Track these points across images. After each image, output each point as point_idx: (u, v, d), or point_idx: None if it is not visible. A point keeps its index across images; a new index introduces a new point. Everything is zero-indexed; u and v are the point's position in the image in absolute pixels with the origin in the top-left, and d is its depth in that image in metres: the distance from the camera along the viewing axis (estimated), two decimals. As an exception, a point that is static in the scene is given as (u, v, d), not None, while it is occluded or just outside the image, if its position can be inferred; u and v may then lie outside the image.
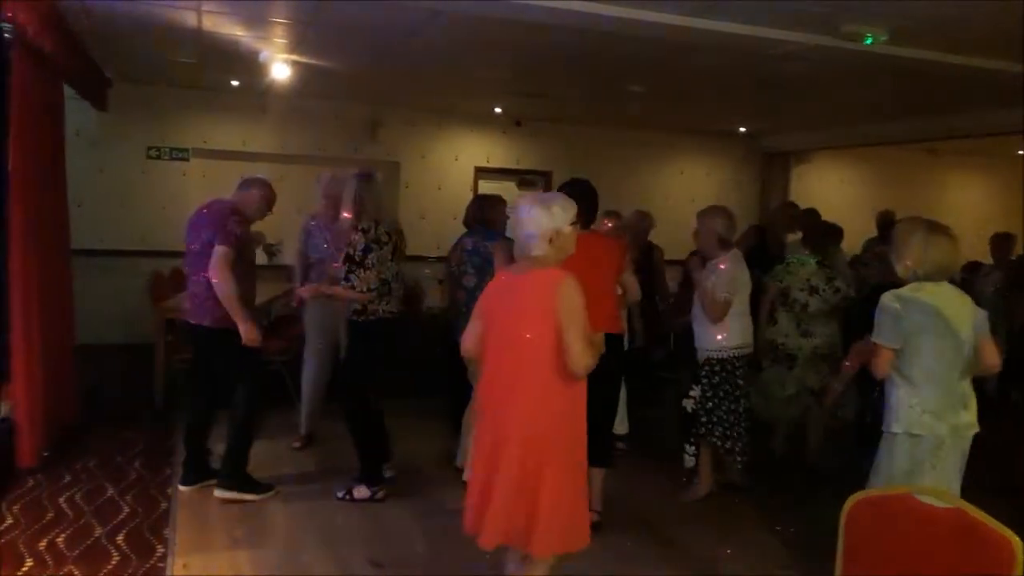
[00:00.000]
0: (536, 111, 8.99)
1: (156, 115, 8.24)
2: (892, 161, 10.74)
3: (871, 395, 3.98)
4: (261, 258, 6.85)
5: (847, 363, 3.77)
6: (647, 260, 6.16)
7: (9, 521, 3.95)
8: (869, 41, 4.80)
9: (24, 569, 3.50)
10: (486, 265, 4.65)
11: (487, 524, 2.82)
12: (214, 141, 8.49)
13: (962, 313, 3.12)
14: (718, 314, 4.32)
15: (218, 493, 4.31)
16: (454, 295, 5.07)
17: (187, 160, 8.43)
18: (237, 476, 4.35)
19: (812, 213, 6.17)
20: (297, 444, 5.31)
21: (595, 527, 4.01)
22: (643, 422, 5.74)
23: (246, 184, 4.44)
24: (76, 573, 3.49)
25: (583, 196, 4.15)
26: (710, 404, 4.44)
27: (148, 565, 3.61)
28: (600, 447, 4.09)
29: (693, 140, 10.43)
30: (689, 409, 4.58)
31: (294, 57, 6.19)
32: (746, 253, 4.67)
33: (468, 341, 3.04)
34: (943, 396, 3.10)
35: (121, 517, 4.08)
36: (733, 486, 4.72)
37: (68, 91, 5.72)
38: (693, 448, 4.62)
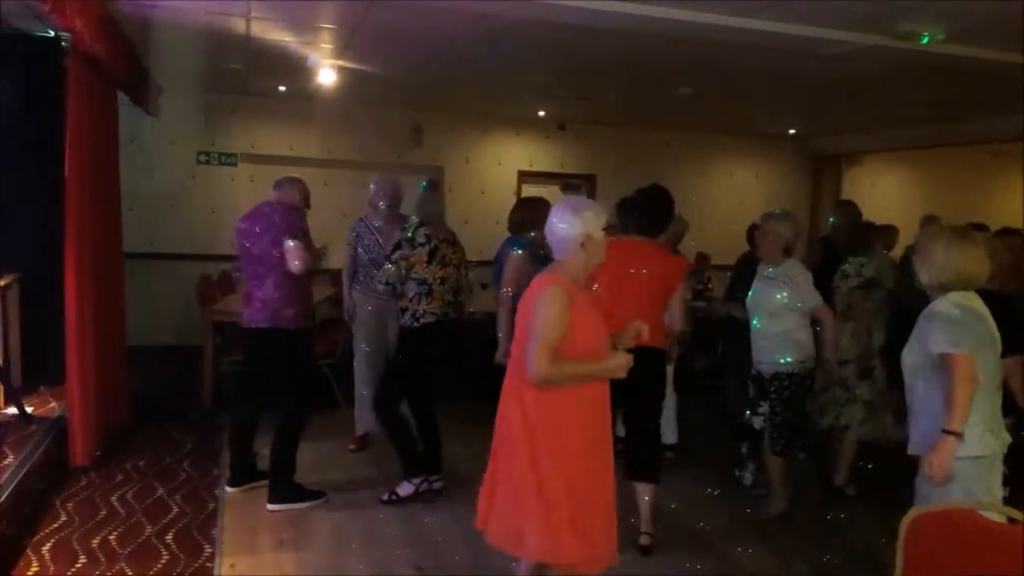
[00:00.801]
0: (580, 114, 8.94)
1: (206, 121, 8.38)
2: (951, 164, 10.42)
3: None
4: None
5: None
6: None
7: (63, 518, 4.04)
8: (925, 40, 4.66)
9: (77, 566, 3.57)
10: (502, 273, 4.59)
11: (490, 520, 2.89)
12: (261, 146, 8.62)
13: (994, 324, 2.99)
14: (831, 317, 4.24)
15: (270, 507, 4.31)
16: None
17: (235, 165, 8.58)
18: (286, 487, 4.36)
19: (846, 205, 5.81)
20: (352, 446, 5.34)
21: (647, 550, 3.95)
22: (689, 431, 5.64)
23: (284, 184, 4.46)
24: (127, 571, 3.55)
25: (652, 203, 4.08)
26: (779, 419, 4.29)
27: (196, 564, 3.65)
28: (646, 461, 4.03)
29: (742, 142, 10.28)
30: (757, 427, 4.42)
31: (340, 62, 6.25)
32: (815, 270, 4.48)
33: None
34: (996, 411, 2.96)
35: (170, 516, 4.15)
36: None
37: (121, 97, 5.86)
38: (753, 466, 4.49)
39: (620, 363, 2.79)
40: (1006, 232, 5.48)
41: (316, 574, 3.67)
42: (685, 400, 5.71)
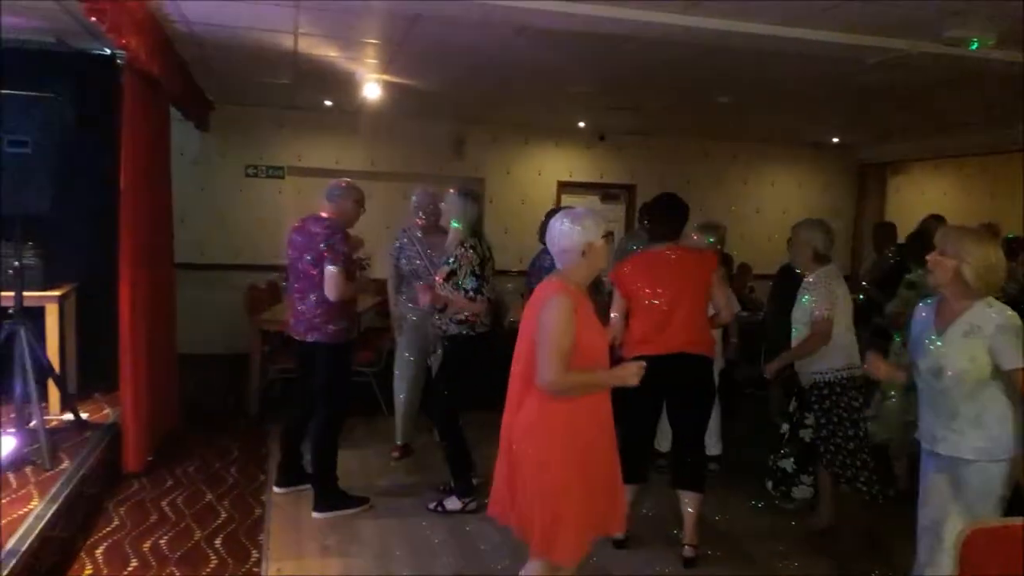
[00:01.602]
0: (620, 124, 8.93)
1: (254, 135, 8.59)
2: (999, 171, 10.17)
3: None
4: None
5: None
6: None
7: (116, 522, 4.15)
8: (975, 46, 4.57)
9: (129, 569, 3.66)
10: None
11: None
12: (308, 159, 8.77)
13: None
14: (822, 333, 4.05)
15: (316, 515, 4.37)
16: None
17: (282, 178, 8.75)
18: (329, 495, 4.42)
19: (937, 218, 5.94)
20: (396, 454, 5.38)
21: (690, 562, 3.95)
22: (732, 441, 5.58)
23: (336, 194, 4.44)
24: (177, 574, 3.63)
25: (667, 210, 4.12)
26: (825, 432, 4.19)
27: (244, 569, 3.72)
28: (691, 471, 4.03)
29: (784, 151, 10.17)
30: (807, 439, 4.33)
31: (385, 77, 6.34)
32: (883, 279, 4.46)
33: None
34: None
35: (219, 521, 4.23)
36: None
37: (173, 113, 6.03)
38: (811, 479, 4.40)
39: (631, 372, 2.81)
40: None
41: (360, 580, 3.72)
42: (728, 410, 5.65)
